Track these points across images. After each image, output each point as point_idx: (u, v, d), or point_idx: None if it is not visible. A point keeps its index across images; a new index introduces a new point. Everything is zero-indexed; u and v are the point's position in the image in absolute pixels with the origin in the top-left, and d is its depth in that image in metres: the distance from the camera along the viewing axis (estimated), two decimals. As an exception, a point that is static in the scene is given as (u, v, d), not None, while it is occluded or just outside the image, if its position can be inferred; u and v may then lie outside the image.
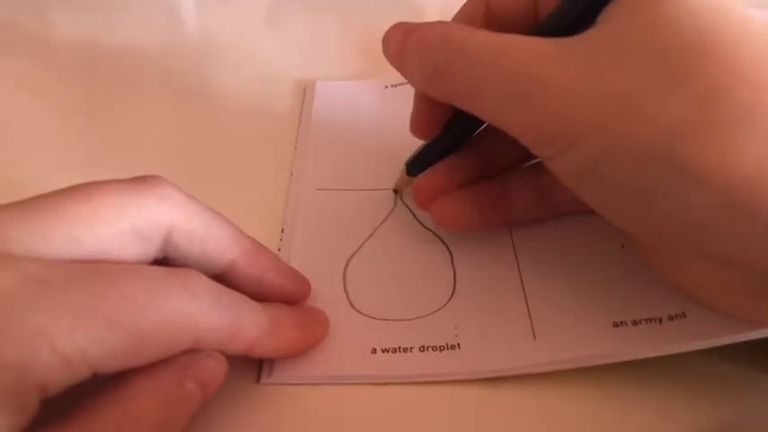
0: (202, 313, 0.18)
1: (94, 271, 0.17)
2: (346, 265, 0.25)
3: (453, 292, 0.24)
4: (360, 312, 0.24)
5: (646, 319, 0.22)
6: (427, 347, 0.22)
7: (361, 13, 0.39)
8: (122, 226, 0.18)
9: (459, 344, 0.22)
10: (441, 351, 0.22)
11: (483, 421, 0.21)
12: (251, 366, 0.22)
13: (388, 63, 0.23)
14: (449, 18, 0.26)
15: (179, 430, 0.18)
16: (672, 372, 0.21)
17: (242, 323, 0.20)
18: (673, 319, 0.21)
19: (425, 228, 0.27)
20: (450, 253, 0.25)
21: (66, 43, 0.36)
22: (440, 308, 0.24)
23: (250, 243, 0.22)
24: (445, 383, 0.22)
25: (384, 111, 0.34)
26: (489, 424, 0.21)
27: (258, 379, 0.22)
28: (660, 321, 0.21)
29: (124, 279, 0.17)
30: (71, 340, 0.16)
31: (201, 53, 0.37)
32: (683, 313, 0.21)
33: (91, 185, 0.19)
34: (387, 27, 0.24)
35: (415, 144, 0.31)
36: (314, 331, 0.22)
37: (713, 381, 0.21)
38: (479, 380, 0.22)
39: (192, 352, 0.19)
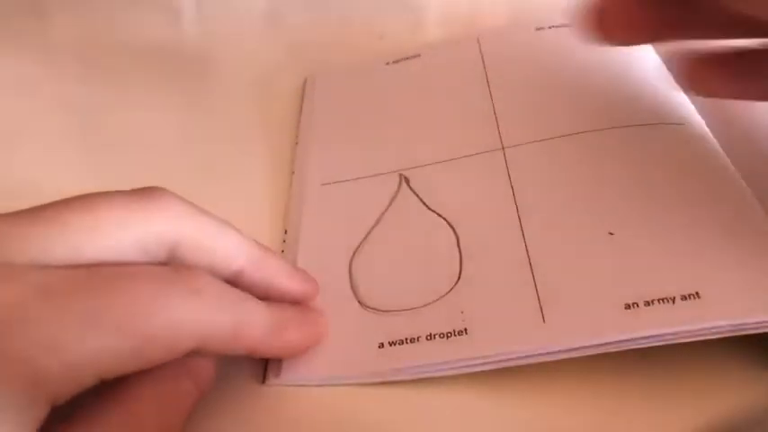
0: (207, 313, 0.18)
1: (99, 275, 0.17)
2: (352, 259, 0.25)
3: (459, 276, 0.23)
4: (367, 307, 0.23)
5: (658, 300, 0.21)
6: (434, 335, 0.22)
7: (362, 12, 0.38)
8: (125, 239, 0.18)
9: (466, 329, 0.22)
10: (448, 338, 0.22)
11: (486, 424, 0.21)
12: (256, 368, 0.22)
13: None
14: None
15: (179, 427, 0.18)
16: (672, 371, 0.21)
17: (246, 323, 0.19)
18: (686, 299, 0.21)
19: (430, 210, 0.26)
20: (456, 235, 0.25)
21: (66, 43, 0.36)
22: (446, 293, 0.23)
23: (257, 249, 0.21)
24: (454, 381, 0.21)
25: (386, 89, 0.33)
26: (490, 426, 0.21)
27: (264, 380, 0.22)
28: (673, 301, 0.21)
29: (129, 282, 0.17)
30: (79, 350, 0.16)
31: (201, 53, 0.37)
32: (697, 293, 0.21)
33: (93, 197, 0.18)
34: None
35: (422, 118, 0.30)
36: (316, 332, 0.22)
37: (714, 380, 0.21)
38: (488, 379, 0.21)
39: None
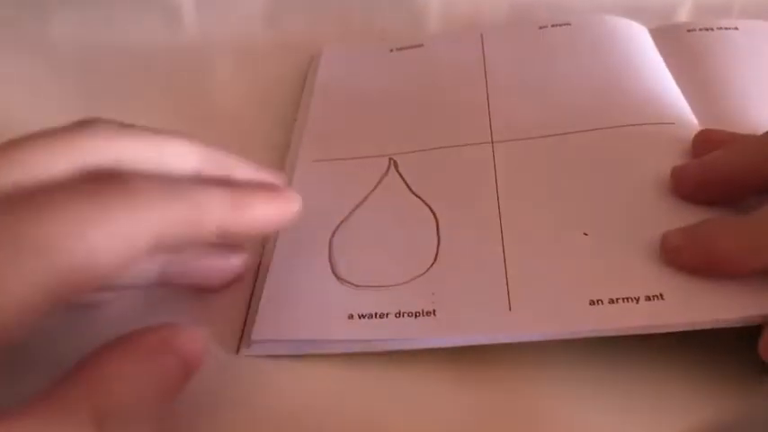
0: (153, 207, 0.17)
1: (31, 201, 0.17)
2: (333, 234, 0.26)
3: (435, 259, 0.24)
4: (342, 280, 0.24)
5: (623, 299, 0.21)
6: (403, 314, 0.22)
7: (362, 13, 0.39)
8: (63, 173, 0.18)
9: (434, 310, 0.22)
10: (416, 317, 0.22)
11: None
12: (230, 337, 0.23)
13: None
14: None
15: (163, 407, 0.17)
16: (670, 371, 0.21)
17: (201, 203, 0.18)
18: (650, 299, 0.21)
19: (414, 195, 0.27)
20: (437, 221, 0.25)
21: (66, 43, 0.37)
22: (419, 275, 0.24)
23: (208, 147, 0.21)
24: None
25: (386, 74, 0.33)
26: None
27: (237, 350, 0.23)
28: (637, 301, 0.21)
29: (64, 202, 0.17)
30: (19, 275, 0.15)
31: (201, 53, 0.37)
32: (661, 294, 0.21)
33: (24, 141, 0.18)
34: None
35: (418, 106, 0.30)
36: (285, 204, 0.21)
37: (712, 381, 0.21)
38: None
39: (169, 327, 0.18)
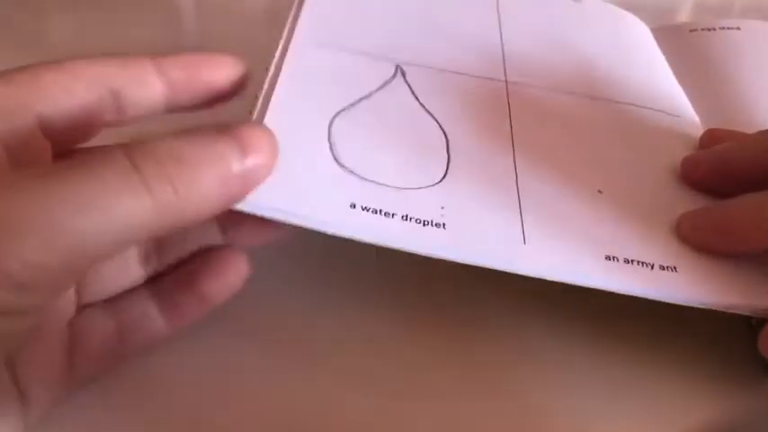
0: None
1: None
2: (333, 118, 0.22)
3: (444, 176, 0.22)
4: (343, 166, 0.21)
5: (638, 261, 0.20)
6: (411, 218, 0.20)
7: None
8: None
9: (444, 224, 0.20)
10: (424, 225, 0.20)
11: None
12: None
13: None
14: None
15: (215, 200, 0.16)
16: (670, 371, 0.21)
17: (128, 58, 0.20)
18: (664, 269, 0.20)
19: (423, 108, 0.24)
20: (447, 139, 0.23)
21: (66, 43, 0.35)
22: (428, 185, 0.21)
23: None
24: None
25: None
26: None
27: None
28: (651, 267, 0.20)
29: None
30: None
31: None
32: (675, 267, 0.20)
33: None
34: None
35: (426, 22, 0.28)
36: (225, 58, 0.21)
37: (712, 381, 0.21)
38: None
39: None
